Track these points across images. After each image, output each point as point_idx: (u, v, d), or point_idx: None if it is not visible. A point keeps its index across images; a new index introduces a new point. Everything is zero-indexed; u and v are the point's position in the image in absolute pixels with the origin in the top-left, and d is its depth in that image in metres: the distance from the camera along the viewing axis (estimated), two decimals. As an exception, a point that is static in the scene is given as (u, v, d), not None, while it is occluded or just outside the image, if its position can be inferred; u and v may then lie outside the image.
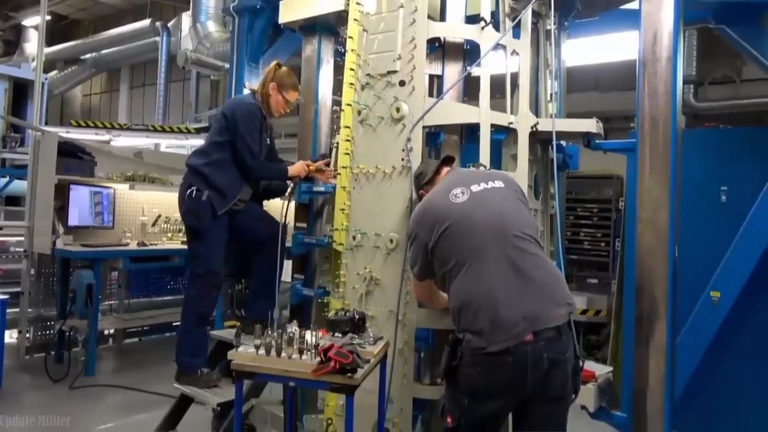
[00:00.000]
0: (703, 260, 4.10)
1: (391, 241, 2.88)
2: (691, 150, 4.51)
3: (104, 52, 14.25)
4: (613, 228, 7.86)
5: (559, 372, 2.17)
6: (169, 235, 6.19)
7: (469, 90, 3.24)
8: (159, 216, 6.20)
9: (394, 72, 2.97)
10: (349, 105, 3.13)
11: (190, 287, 3.40)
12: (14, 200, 10.67)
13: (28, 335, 5.58)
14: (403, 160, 2.90)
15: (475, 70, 3.07)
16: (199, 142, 8.89)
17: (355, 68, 3.13)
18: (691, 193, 4.37)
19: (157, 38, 12.46)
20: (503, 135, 3.05)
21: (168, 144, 9.46)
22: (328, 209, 3.58)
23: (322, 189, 3.46)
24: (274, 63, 3.52)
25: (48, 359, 5.18)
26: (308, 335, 2.21)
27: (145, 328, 6.61)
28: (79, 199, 5.40)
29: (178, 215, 6.04)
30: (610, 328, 4.49)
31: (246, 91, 4.28)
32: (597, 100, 7.90)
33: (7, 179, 8.94)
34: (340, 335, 2.35)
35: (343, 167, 3.13)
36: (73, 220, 5.34)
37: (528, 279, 2.19)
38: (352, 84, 3.13)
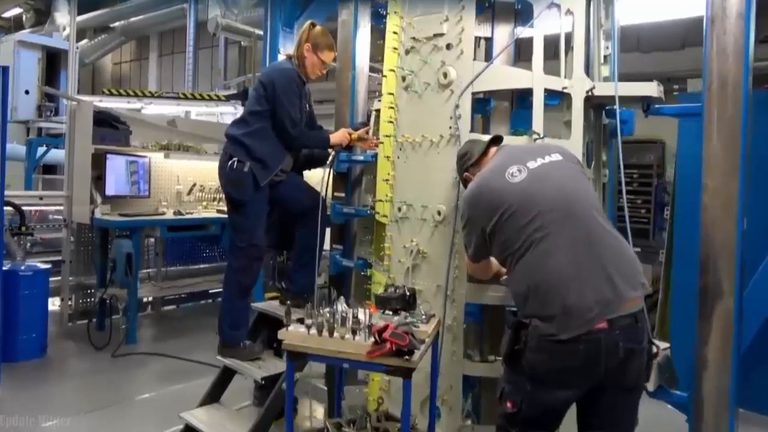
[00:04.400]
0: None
1: (439, 213, 2.76)
2: (757, 113, 4.25)
3: (133, 19, 14.19)
4: (654, 194, 7.57)
5: (636, 362, 2.04)
6: (204, 204, 6.21)
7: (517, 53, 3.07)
8: (194, 185, 6.22)
9: (441, 35, 2.81)
10: (392, 71, 3.00)
11: (232, 259, 3.34)
12: (51, 169, 10.82)
13: (70, 303, 5.71)
14: (450, 128, 2.76)
15: (526, 31, 2.90)
16: (228, 109, 8.87)
17: (398, 31, 2.98)
18: (757, 159, 4.14)
19: (185, 5, 12.35)
20: (556, 100, 2.87)
21: (198, 111, 9.43)
22: (368, 178, 3.49)
23: (361, 158, 3.37)
24: (308, 23, 3.37)
25: (90, 326, 5.28)
26: (361, 314, 2.12)
27: (182, 295, 6.67)
28: (116, 168, 5.40)
29: (212, 184, 6.13)
30: (657, 297, 4.34)
31: (281, 57, 4.15)
32: (638, 61, 7.56)
33: (44, 148, 9.02)
34: (391, 313, 2.27)
35: (387, 136, 3.01)
36: (110, 189, 5.35)
37: (598, 259, 2.04)
38: (395, 48, 2.99)
